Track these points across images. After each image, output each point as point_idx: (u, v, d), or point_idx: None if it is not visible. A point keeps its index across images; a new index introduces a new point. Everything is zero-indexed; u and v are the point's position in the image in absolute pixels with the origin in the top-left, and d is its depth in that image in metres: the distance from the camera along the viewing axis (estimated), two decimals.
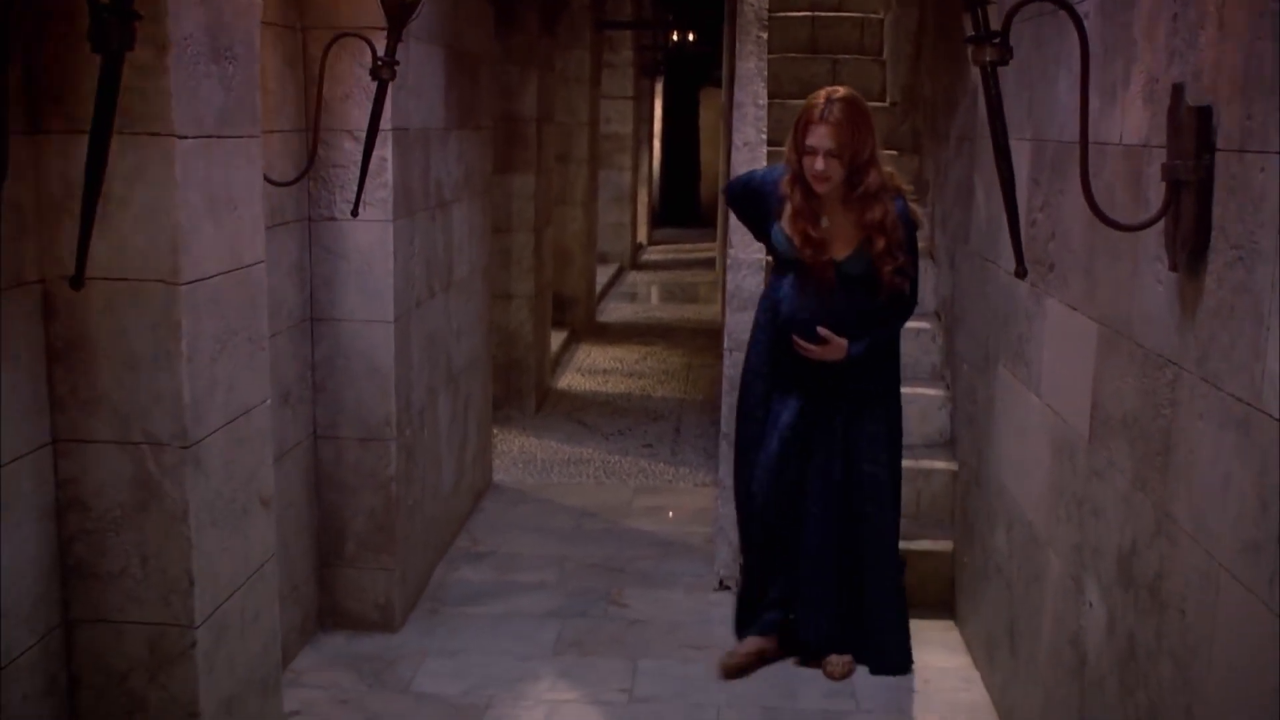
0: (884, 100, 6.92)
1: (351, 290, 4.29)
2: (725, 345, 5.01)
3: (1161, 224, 2.46)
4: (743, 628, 4.37)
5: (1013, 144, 3.83)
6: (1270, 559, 2.02)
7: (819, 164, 3.87)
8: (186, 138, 2.62)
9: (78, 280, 2.29)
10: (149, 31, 2.40)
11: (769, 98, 5.66)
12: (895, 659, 4.23)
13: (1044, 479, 3.47)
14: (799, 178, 3.97)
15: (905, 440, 5.16)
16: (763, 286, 4.37)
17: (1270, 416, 2.03)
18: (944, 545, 4.84)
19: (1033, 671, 3.54)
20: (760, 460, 4.16)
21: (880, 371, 4.18)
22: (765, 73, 5.41)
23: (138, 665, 2.77)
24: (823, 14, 7.49)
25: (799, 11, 7.46)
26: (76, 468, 2.70)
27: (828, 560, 4.17)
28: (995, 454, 4.13)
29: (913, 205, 4.07)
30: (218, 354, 2.81)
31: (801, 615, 4.23)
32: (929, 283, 5.69)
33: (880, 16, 7.33)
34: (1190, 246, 2.36)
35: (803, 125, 3.91)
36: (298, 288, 4.16)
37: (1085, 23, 3.07)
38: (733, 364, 4.97)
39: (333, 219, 4.24)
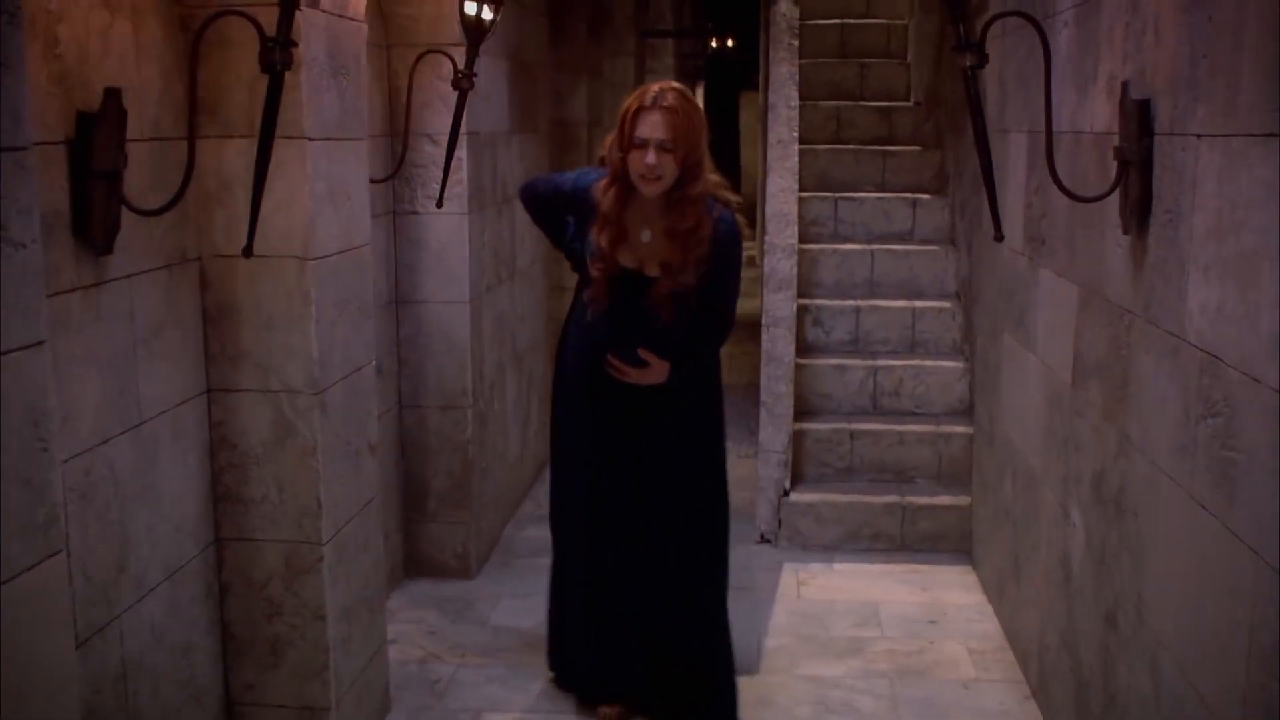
0: (908, 100, 7.45)
1: (431, 275, 4.87)
2: (764, 321, 5.55)
3: (1117, 196, 2.99)
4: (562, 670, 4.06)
5: (1012, 135, 4.41)
6: (1191, 457, 2.55)
7: (650, 158, 3.34)
8: (314, 139, 3.20)
9: (248, 251, 2.86)
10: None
11: (801, 99, 6.21)
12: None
13: (1039, 425, 4.00)
14: (620, 179, 3.44)
15: (929, 409, 5.74)
16: (575, 301, 3.78)
17: (1190, 344, 2.56)
18: (962, 500, 5.37)
19: (1032, 594, 4.06)
20: (577, 510, 3.79)
21: (706, 400, 3.74)
22: (796, 77, 5.94)
23: (275, 576, 3.36)
24: (851, 21, 8.03)
25: (829, 19, 8.00)
26: (226, 411, 3.29)
27: (635, 607, 3.78)
28: (1003, 412, 4.66)
29: (740, 218, 3.60)
30: (337, 319, 3.39)
31: (602, 658, 3.85)
32: (950, 267, 6.22)
33: (904, 22, 7.85)
34: (1137, 214, 2.89)
35: (631, 115, 3.38)
36: (385, 273, 4.75)
37: (1064, 29, 3.63)
38: (770, 339, 5.53)
39: (415, 212, 4.83)
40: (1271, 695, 2.11)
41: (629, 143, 3.38)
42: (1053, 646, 3.75)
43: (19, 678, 1.98)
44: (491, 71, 5.18)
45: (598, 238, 3.50)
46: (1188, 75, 2.60)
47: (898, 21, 7.94)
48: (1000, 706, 3.96)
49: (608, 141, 3.53)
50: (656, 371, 3.56)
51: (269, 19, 2.71)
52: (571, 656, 3.93)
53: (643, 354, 3.54)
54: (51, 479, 2.05)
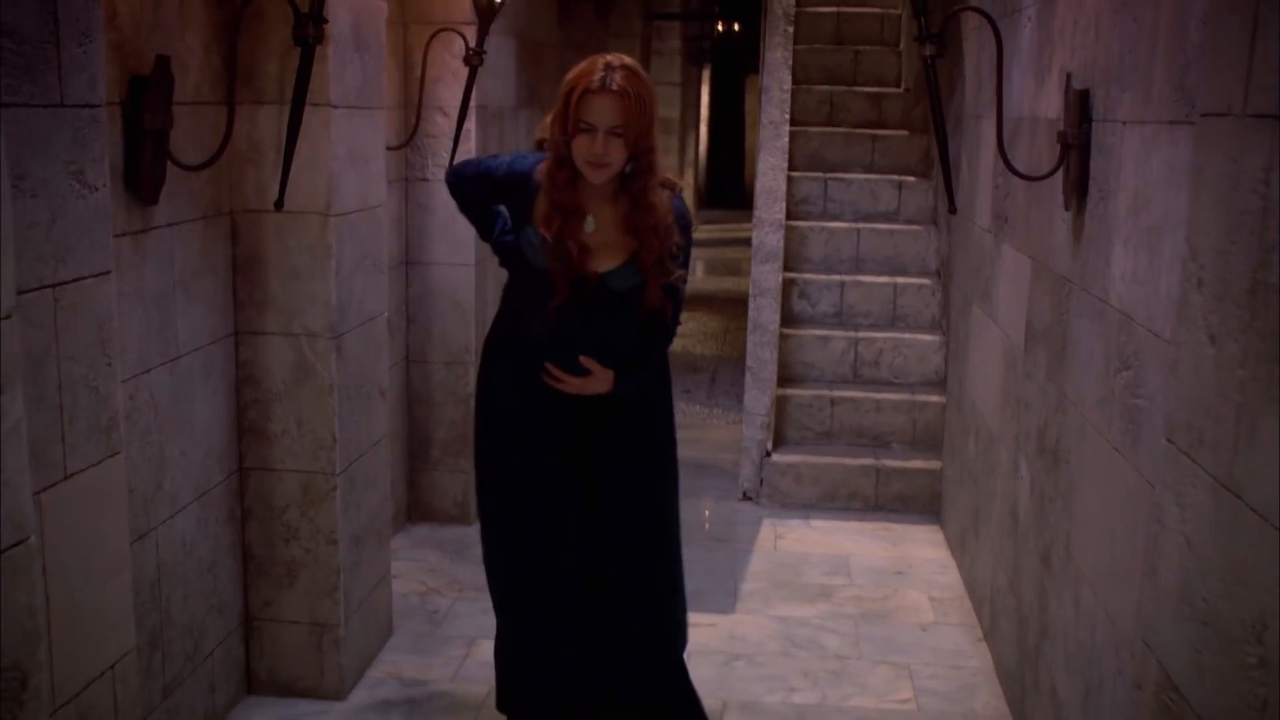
0: (899, 86, 7.76)
1: (439, 239, 5.20)
2: (751, 292, 5.89)
3: (1060, 177, 3.31)
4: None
5: (984, 121, 4.73)
6: (1110, 407, 2.88)
7: (598, 145, 2.95)
8: (338, 107, 3.53)
9: (280, 204, 3.19)
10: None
11: (796, 84, 6.54)
12: None
13: (998, 388, 4.34)
14: (563, 164, 3.03)
15: (906, 379, 6.07)
16: (506, 291, 3.35)
17: (1112, 307, 2.89)
18: (933, 464, 5.71)
19: (986, 543, 4.40)
20: (515, 538, 3.30)
21: (654, 409, 3.33)
22: (790, 62, 6.26)
23: (293, 503, 3.70)
24: (847, 9, 8.33)
25: (826, 7, 8.31)
26: (251, 352, 3.62)
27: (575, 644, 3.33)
28: (969, 378, 4.99)
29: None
30: (354, 271, 3.72)
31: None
32: (932, 245, 6.55)
33: (898, 11, 8.15)
34: (1077, 192, 3.21)
35: (576, 96, 2.97)
36: (396, 236, 5.08)
37: (1027, 24, 3.95)
38: (756, 309, 5.86)
39: (425, 180, 5.16)
40: (1160, 617, 2.44)
41: (573, 126, 2.97)
42: (1001, 589, 4.09)
43: (85, 558, 2.33)
44: (500, 49, 5.50)
45: (547, 228, 3.05)
46: (1117, 69, 2.92)
47: (891, 11, 8.23)
48: (954, 646, 4.30)
49: (546, 121, 3.12)
50: (600, 380, 3.14)
51: None
52: (522, 692, 3.41)
53: (585, 362, 3.11)
54: (114, 389, 2.40)
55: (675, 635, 3.37)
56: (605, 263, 3.10)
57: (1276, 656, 1.34)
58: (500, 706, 3.46)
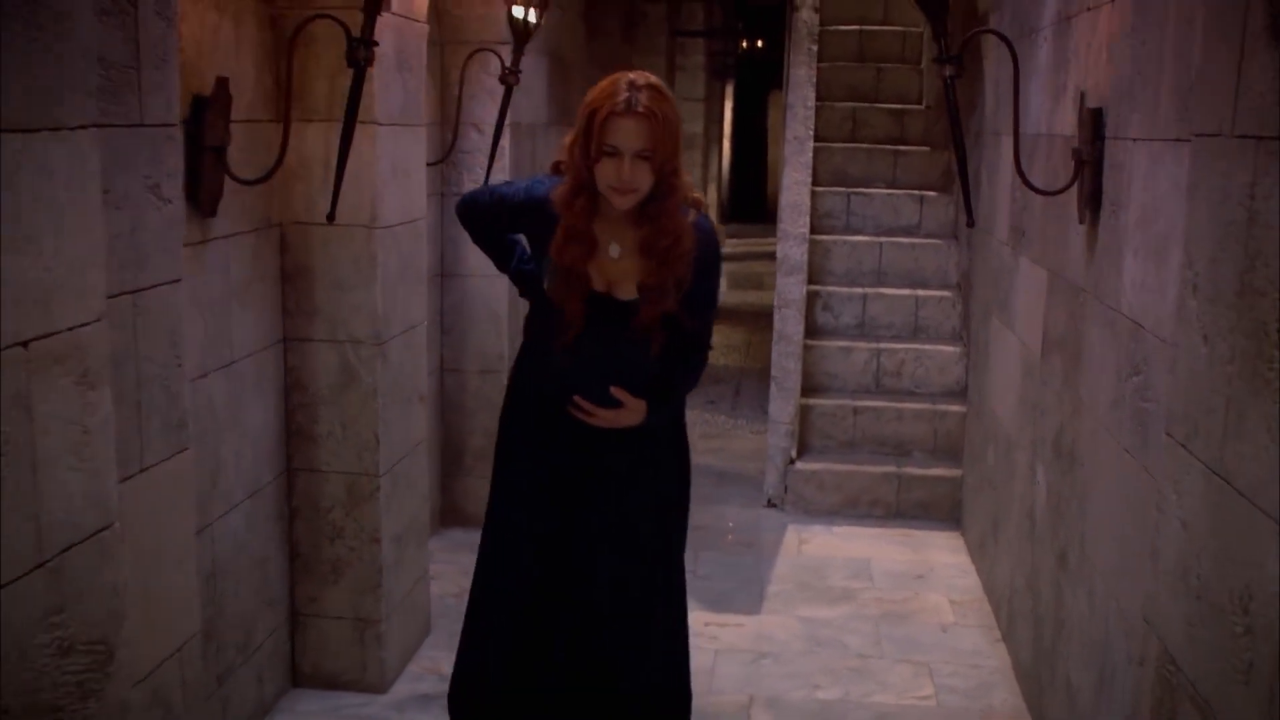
0: (920, 103, 7.90)
1: (474, 251, 5.28)
2: (776, 303, 6.04)
3: (1075, 191, 3.46)
4: None
5: (1004, 137, 4.86)
6: (1121, 410, 3.02)
7: (625, 171, 2.79)
8: (382, 124, 3.70)
9: (331, 216, 3.37)
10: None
11: (820, 100, 6.69)
12: None
13: (1015, 395, 4.47)
14: (581, 190, 2.88)
15: (927, 389, 6.21)
16: (525, 314, 3.20)
17: (1124, 315, 3.03)
18: (954, 472, 5.84)
19: (1005, 547, 4.53)
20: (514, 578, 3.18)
21: (674, 446, 3.19)
22: (814, 79, 6.41)
23: (338, 503, 3.86)
24: (869, 27, 8.49)
25: (849, 25, 8.46)
26: (299, 358, 3.79)
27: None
28: (989, 387, 5.13)
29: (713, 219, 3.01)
30: (397, 281, 3.89)
31: None
32: (952, 259, 6.69)
33: (919, 29, 8.30)
34: (1090, 206, 3.36)
35: (600, 119, 2.79)
36: (433, 248, 5.25)
37: (1044, 44, 4.10)
38: (781, 320, 6.01)
39: (460, 194, 5.30)
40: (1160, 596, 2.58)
41: (597, 151, 2.80)
42: (1019, 591, 4.22)
43: (157, 546, 2.50)
44: (533, 67, 5.67)
45: (561, 255, 2.91)
46: (1128, 89, 3.06)
47: (913, 29, 8.38)
48: (973, 646, 4.43)
49: (566, 143, 2.97)
50: (632, 412, 3.00)
51: (352, 21, 3.21)
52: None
53: (616, 393, 2.97)
54: (183, 389, 2.57)
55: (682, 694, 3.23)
56: (629, 290, 2.95)
57: (1260, 624, 1.49)
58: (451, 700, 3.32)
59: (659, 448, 3.14)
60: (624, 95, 2.80)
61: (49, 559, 1.90)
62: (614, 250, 2.95)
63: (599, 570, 3.10)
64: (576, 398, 3.00)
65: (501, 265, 3.25)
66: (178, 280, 2.52)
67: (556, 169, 3.03)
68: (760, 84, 21.99)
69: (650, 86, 2.83)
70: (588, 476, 3.08)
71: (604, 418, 3.01)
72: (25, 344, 1.82)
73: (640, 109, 2.78)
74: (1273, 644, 1.44)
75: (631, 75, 2.86)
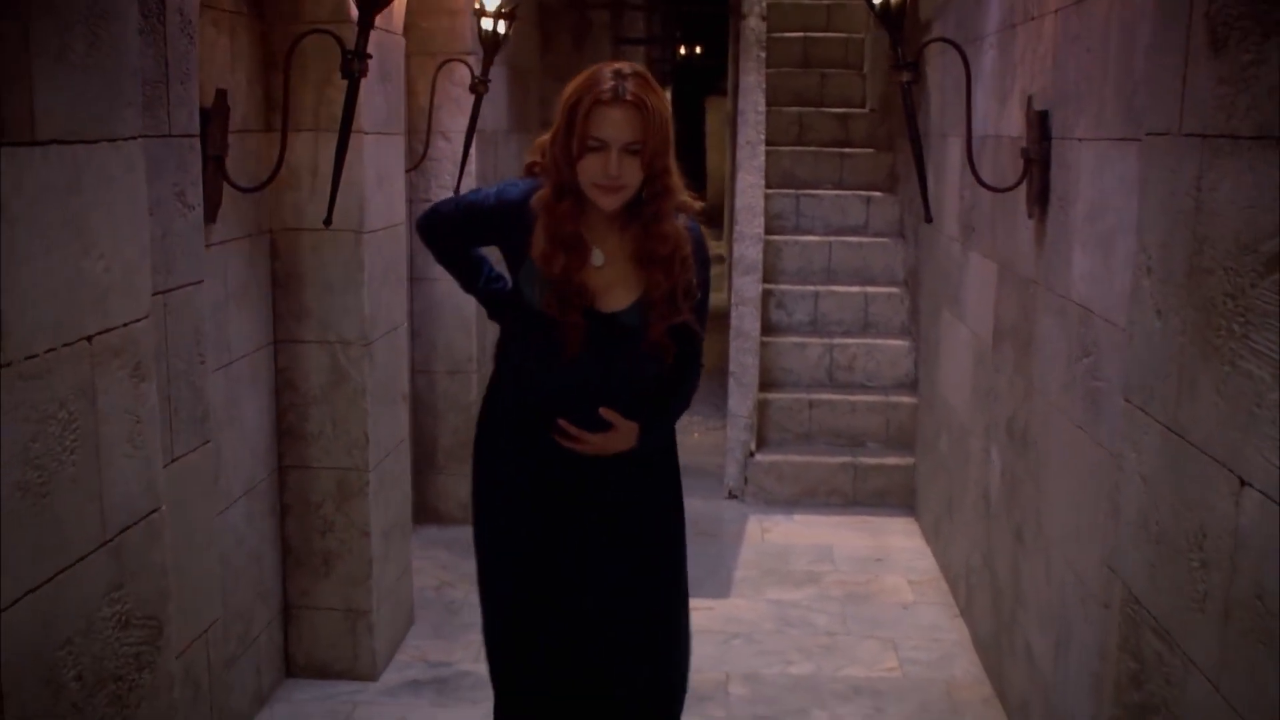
0: (864, 107, 8.17)
1: None
2: (732, 301, 6.26)
3: (1024, 189, 3.70)
4: None
5: (950, 139, 5.11)
6: (1072, 391, 3.26)
7: (612, 166, 2.53)
8: (368, 134, 3.87)
9: (328, 220, 3.52)
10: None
11: (767, 105, 6.92)
12: None
13: (968, 384, 4.72)
14: (564, 192, 2.61)
15: (879, 382, 6.45)
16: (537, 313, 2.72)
17: (1073, 302, 3.27)
18: (907, 460, 6.09)
19: (961, 527, 4.77)
20: (517, 624, 2.87)
21: (666, 469, 2.93)
22: (764, 85, 6.64)
23: (328, 498, 4.01)
24: (813, 34, 8.75)
25: (793, 32, 8.72)
26: (290, 359, 3.94)
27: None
28: (940, 378, 5.38)
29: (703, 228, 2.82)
30: (381, 284, 4.05)
31: None
32: (899, 256, 6.95)
33: (862, 36, 8.58)
34: (1039, 202, 3.60)
35: (584, 110, 2.53)
36: (403, 255, 5.40)
37: (989, 50, 4.34)
38: (738, 316, 6.23)
39: (428, 200, 5.48)
40: (1123, 545, 2.82)
41: (581, 146, 2.54)
42: (976, 568, 4.46)
43: (187, 533, 2.65)
44: (494, 77, 5.84)
45: (550, 264, 2.61)
46: (1074, 92, 3.31)
47: (855, 35, 8.65)
48: (933, 622, 4.67)
49: (540, 143, 2.73)
50: (624, 436, 2.69)
51: (342, 34, 3.38)
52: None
53: (606, 414, 2.67)
54: (206, 385, 2.72)
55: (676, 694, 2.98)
56: (617, 300, 2.66)
57: (1214, 558, 1.71)
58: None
59: (652, 470, 2.83)
60: (609, 84, 2.53)
61: (111, 538, 2.05)
62: (597, 258, 2.66)
63: (605, 602, 2.80)
64: (561, 422, 2.68)
65: (468, 284, 2.96)
66: (200, 281, 2.67)
67: (530, 171, 2.75)
68: (698, 90, 22.27)
69: (637, 74, 2.57)
70: (578, 508, 2.76)
71: (593, 443, 2.69)
72: (89, 339, 1.98)
73: (628, 97, 2.52)
74: (1224, 573, 1.67)
75: (616, 64, 2.59)
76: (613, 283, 2.68)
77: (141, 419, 2.16)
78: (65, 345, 1.89)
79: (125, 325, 2.09)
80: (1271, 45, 1.56)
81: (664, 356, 2.69)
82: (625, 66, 2.59)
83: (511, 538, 2.83)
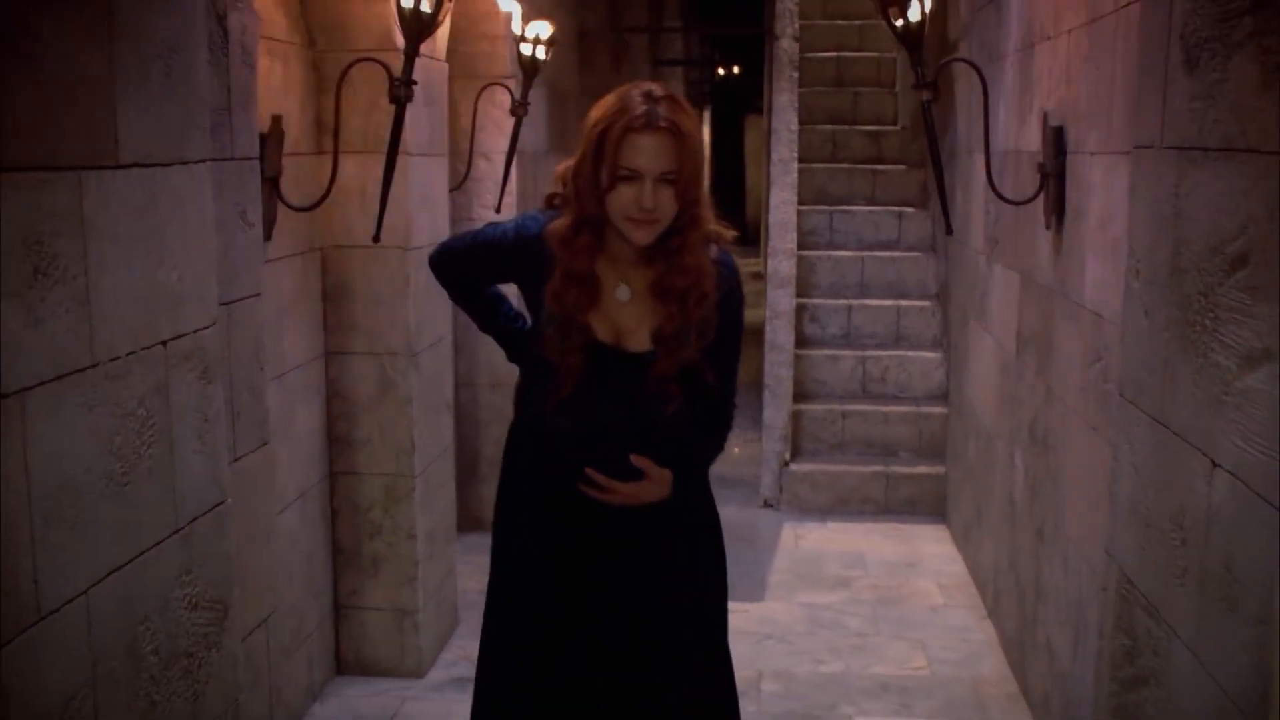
0: (896, 124, 8.32)
1: None
2: (767, 315, 6.42)
3: (1041, 201, 3.85)
4: None
5: (975, 155, 5.25)
6: (1087, 394, 3.40)
7: (647, 197, 2.34)
8: (413, 155, 4.07)
9: (377, 237, 3.72)
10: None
11: (801, 124, 7.09)
12: None
13: (994, 392, 4.85)
14: (584, 225, 2.43)
15: (911, 393, 6.59)
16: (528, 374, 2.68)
17: (1087, 309, 3.41)
18: (938, 469, 6.22)
19: (988, 532, 4.90)
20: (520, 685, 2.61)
21: (704, 514, 2.69)
22: (796, 104, 6.81)
23: (376, 503, 4.20)
24: (846, 54, 8.92)
25: (827, 52, 8.89)
26: (339, 370, 4.14)
27: None
28: (968, 386, 5.51)
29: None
30: (426, 298, 4.25)
31: None
32: (931, 270, 7.09)
33: (893, 55, 8.73)
34: (1055, 214, 3.74)
35: (614, 138, 2.34)
36: None
37: (1010, 69, 4.49)
38: (773, 330, 6.39)
39: (471, 219, 5.69)
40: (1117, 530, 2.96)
41: (611, 176, 2.35)
42: (1003, 570, 4.59)
43: (248, 528, 2.84)
44: (534, 99, 6.04)
45: (558, 300, 2.43)
46: (1086, 109, 3.46)
47: (887, 54, 8.81)
48: (962, 623, 4.80)
49: (560, 172, 2.54)
50: (656, 485, 2.48)
51: (389, 62, 3.58)
52: None
53: (638, 461, 2.45)
54: (265, 390, 2.92)
55: None
56: (643, 339, 2.46)
57: (1192, 536, 1.86)
58: None
59: (689, 518, 2.60)
60: (641, 109, 2.33)
61: (182, 526, 2.25)
62: (622, 293, 2.48)
63: (638, 672, 2.56)
64: (589, 471, 2.46)
65: (484, 323, 2.79)
66: (259, 294, 2.87)
67: (550, 202, 2.56)
68: (737, 109, 22.48)
69: (669, 98, 2.38)
70: (609, 566, 2.53)
71: (624, 493, 2.47)
72: (164, 343, 2.17)
73: (662, 123, 2.32)
74: (1199, 549, 1.81)
75: (645, 86, 2.40)
76: (639, 321, 2.47)
77: (209, 418, 2.35)
78: (144, 349, 2.09)
79: (195, 332, 2.28)
80: (1234, 64, 1.72)
81: (669, 397, 2.44)
82: (655, 88, 2.39)
83: (535, 604, 2.55)
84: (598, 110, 2.41)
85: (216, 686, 2.39)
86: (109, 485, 1.99)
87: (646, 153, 2.34)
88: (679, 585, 2.58)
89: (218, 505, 2.40)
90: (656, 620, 2.55)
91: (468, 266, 2.72)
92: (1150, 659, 2.03)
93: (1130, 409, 2.15)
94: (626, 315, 2.48)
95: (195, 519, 2.30)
